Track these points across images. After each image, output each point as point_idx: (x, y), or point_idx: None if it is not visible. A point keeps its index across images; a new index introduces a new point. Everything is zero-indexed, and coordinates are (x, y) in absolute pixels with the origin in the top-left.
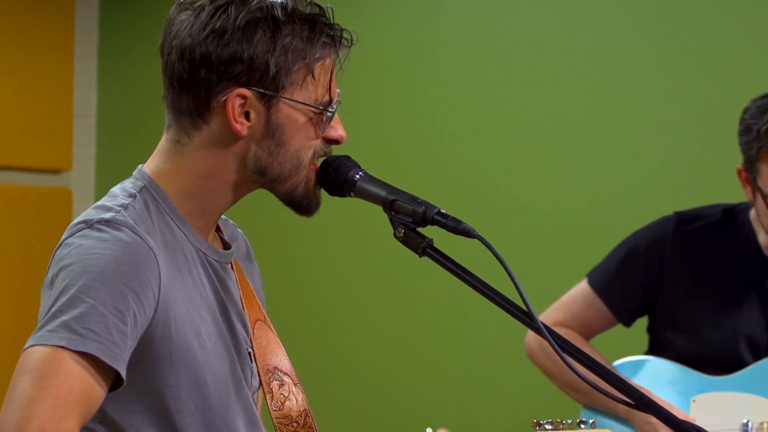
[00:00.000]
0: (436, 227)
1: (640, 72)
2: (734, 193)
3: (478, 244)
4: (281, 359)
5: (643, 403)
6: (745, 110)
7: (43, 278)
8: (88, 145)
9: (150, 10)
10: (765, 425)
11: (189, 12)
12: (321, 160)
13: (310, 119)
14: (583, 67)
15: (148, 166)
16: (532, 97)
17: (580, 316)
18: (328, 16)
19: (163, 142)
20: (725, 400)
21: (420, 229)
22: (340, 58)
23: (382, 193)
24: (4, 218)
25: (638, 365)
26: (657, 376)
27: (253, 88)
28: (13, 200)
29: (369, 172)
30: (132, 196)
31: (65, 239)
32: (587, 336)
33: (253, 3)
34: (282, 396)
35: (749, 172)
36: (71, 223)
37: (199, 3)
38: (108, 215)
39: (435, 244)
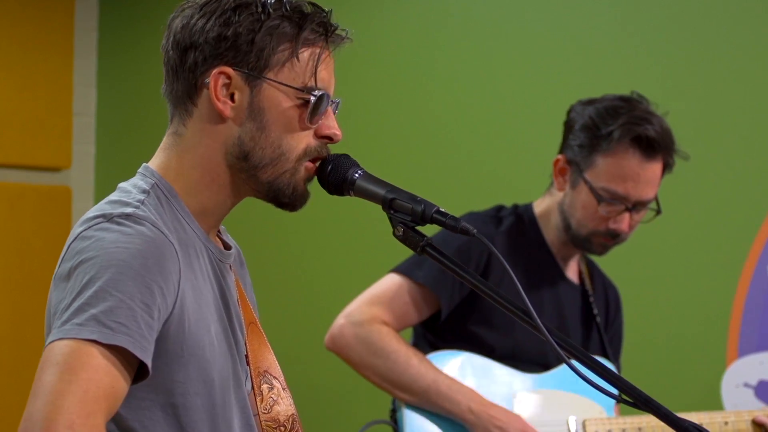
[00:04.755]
0: (435, 226)
1: (639, 73)
2: (727, 190)
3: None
4: (271, 363)
5: (641, 401)
6: (577, 110)
7: (43, 275)
8: (87, 143)
9: (149, 9)
10: (590, 422)
11: (188, 10)
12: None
13: (294, 105)
14: (582, 67)
15: (154, 163)
16: (531, 96)
17: (400, 311)
18: (325, 13)
19: (166, 138)
20: (547, 397)
21: (419, 228)
22: (332, 53)
23: (381, 191)
24: (4, 216)
25: (454, 359)
26: (477, 372)
27: (237, 68)
28: (13, 198)
29: (368, 171)
30: (145, 192)
31: (82, 232)
32: (399, 329)
33: None
34: (271, 399)
35: (576, 165)
36: (85, 217)
37: (197, 2)
38: (128, 210)
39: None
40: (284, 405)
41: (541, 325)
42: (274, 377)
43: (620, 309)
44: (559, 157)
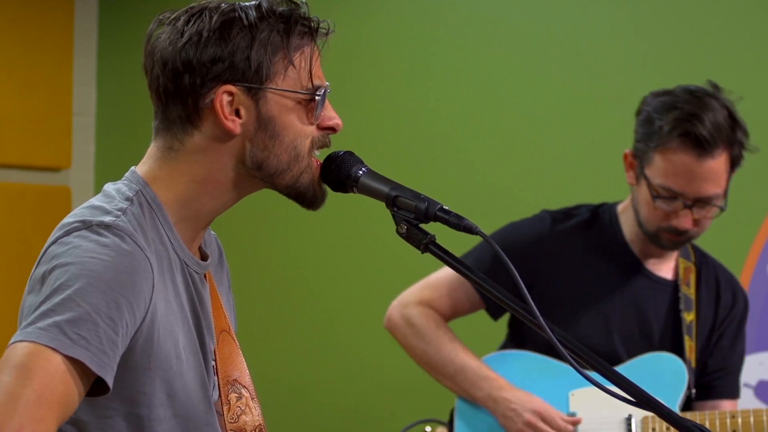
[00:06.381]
0: (438, 223)
1: (637, 72)
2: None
3: (480, 240)
4: (241, 372)
5: (644, 400)
6: (646, 102)
7: None
8: (87, 142)
9: (149, 9)
10: (649, 419)
11: (167, 26)
12: (323, 154)
13: (300, 106)
14: (581, 66)
15: (142, 170)
16: (533, 95)
17: (449, 297)
18: (303, 10)
19: (154, 149)
20: (604, 395)
21: (422, 226)
22: (320, 47)
23: (385, 189)
24: (4, 216)
25: (511, 358)
26: (532, 370)
27: (238, 84)
28: (13, 198)
29: (372, 168)
30: (129, 200)
31: (60, 237)
32: (450, 317)
33: (227, 6)
34: (239, 409)
35: (639, 159)
36: (64, 221)
37: (175, 15)
38: (108, 219)
39: (437, 241)
40: (252, 415)
41: (543, 323)
42: (244, 387)
43: (734, 315)
44: (627, 151)
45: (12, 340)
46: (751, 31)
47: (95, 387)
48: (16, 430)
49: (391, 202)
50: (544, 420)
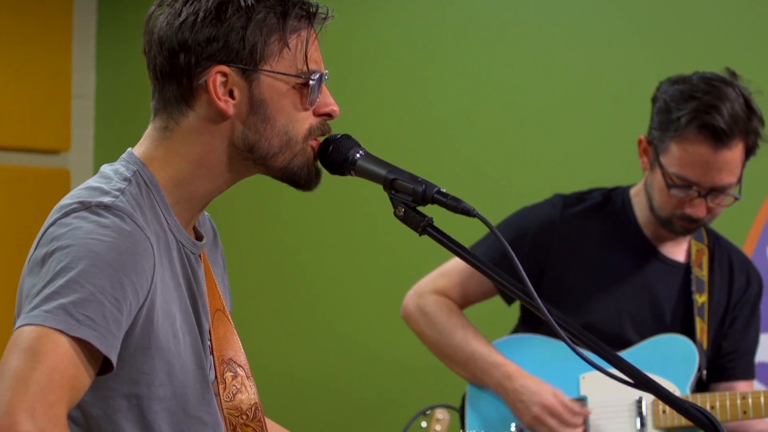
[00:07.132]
0: (436, 206)
1: (635, 69)
2: None
3: (478, 223)
4: (236, 351)
5: (642, 383)
6: (662, 89)
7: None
8: (86, 125)
9: None
10: (660, 401)
11: (166, 7)
12: (322, 138)
13: (294, 90)
14: (579, 62)
15: (139, 150)
16: (530, 85)
17: (461, 285)
18: None
19: (151, 130)
20: None
21: (420, 208)
22: (318, 32)
23: (383, 172)
24: (3, 199)
25: (523, 342)
26: (544, 354)
27: (232, 65)
28: (12, 181)
29: (369, 151)
30: (127, 180)
31: (59, 219)
32: (463, 305)
33: None
34: (234, 387)
35: (654, 146)
36: (62, 203)
37: (173, 2)
38: (107, 200)
39: (435, 223)
40: (247, 393)
41: (541, 305)
42: (239, 365)
43: (748, 298)
44: (642, 137)
45: (18, 324)
46: (751, 29)
47: (102, 367)
48: (29, 414)
49: (389, 185)
50: (552, 414)
